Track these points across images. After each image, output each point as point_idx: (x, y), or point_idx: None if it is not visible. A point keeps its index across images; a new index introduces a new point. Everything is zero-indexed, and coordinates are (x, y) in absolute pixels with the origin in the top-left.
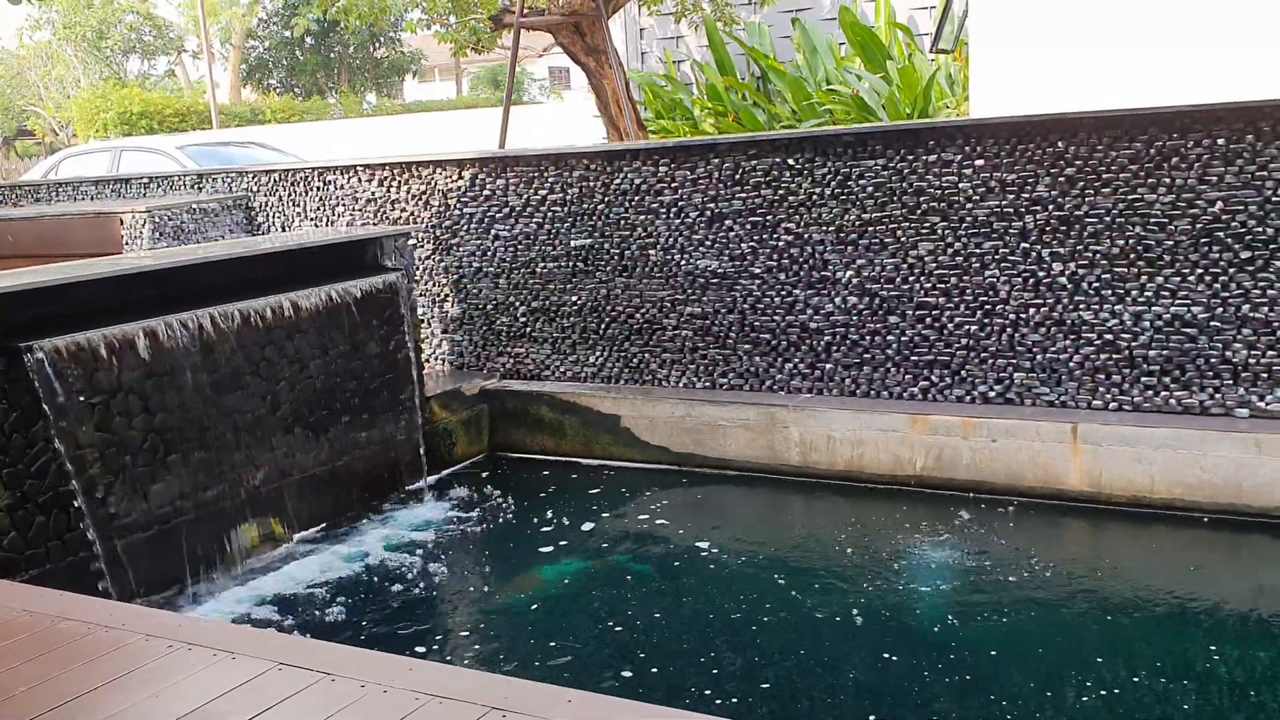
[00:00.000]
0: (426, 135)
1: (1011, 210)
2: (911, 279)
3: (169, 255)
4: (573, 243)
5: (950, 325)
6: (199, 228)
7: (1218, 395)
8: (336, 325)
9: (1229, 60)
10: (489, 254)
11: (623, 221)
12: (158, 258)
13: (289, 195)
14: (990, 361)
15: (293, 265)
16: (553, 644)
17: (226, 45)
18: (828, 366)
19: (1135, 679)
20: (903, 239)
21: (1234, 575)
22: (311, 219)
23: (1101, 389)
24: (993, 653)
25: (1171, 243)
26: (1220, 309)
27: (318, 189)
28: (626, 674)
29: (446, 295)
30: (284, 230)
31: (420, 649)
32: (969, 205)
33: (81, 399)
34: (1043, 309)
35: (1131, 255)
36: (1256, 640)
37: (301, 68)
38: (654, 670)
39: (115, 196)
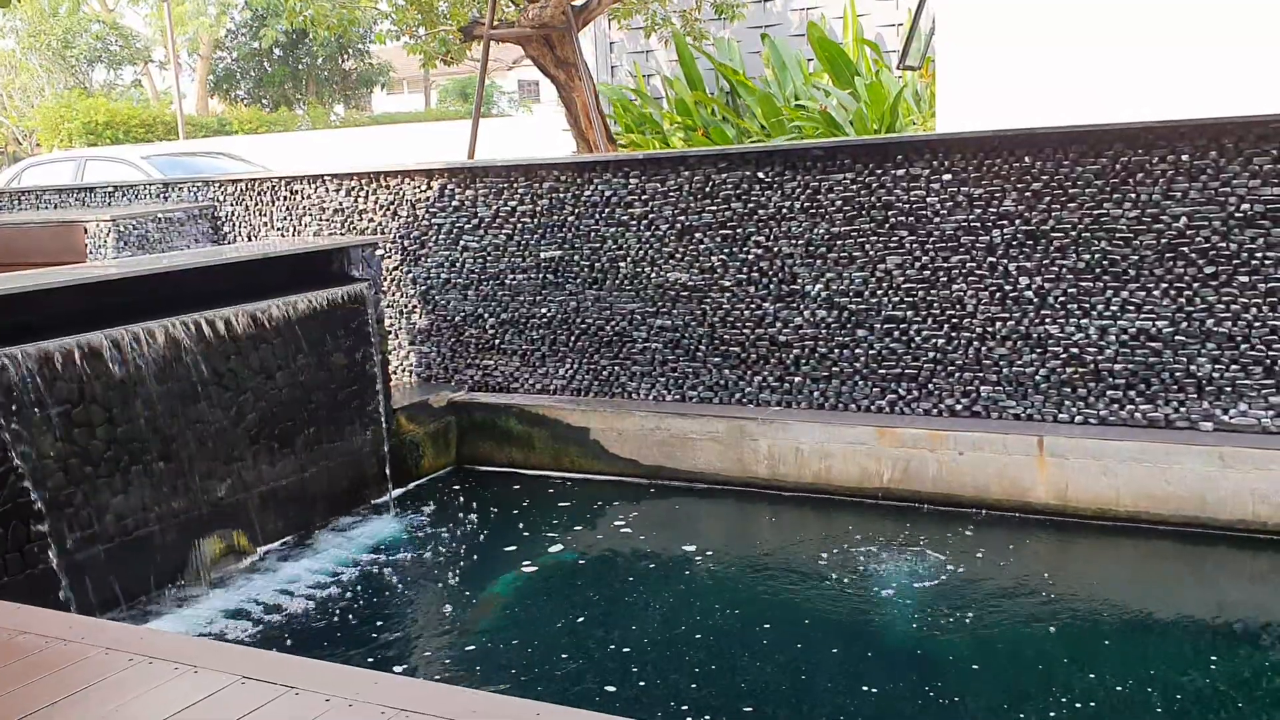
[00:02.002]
0: (395, 147)
1: (979, 224)
2: (880, 292)
3: (133, 264)
4: (542, 254)
5: (918, 339)
6: (164, 237)
7: (1182, 409)
8: (302, 336)
9: (1193, 77)
10: (458, 265)
11: (593, 233)
12: (122, 267)
13: (255, 205)
14: (957, 375)
15: (259, 275)
16: (518, 658)
17: (194, 56)
18: (796, 379)
19: (1100, 691)
20: (871, 253)
21: (1198, 587)
22: (278, 229)
23: (1067, 402)
24: (959, 665)
25: (1136, 257)
26: (1185, 323)
27: (284, 199)
28: (592, 688)
29: (414, 306)
30: (250, 240)
31: (384, 663)
32: (936, 219)
33: (42, 409)
34: (1009, 323)
35: (1097, 270)
36: (1220, 651)
37: (269, 79)
38: (621, 684)
39: (79, 205)
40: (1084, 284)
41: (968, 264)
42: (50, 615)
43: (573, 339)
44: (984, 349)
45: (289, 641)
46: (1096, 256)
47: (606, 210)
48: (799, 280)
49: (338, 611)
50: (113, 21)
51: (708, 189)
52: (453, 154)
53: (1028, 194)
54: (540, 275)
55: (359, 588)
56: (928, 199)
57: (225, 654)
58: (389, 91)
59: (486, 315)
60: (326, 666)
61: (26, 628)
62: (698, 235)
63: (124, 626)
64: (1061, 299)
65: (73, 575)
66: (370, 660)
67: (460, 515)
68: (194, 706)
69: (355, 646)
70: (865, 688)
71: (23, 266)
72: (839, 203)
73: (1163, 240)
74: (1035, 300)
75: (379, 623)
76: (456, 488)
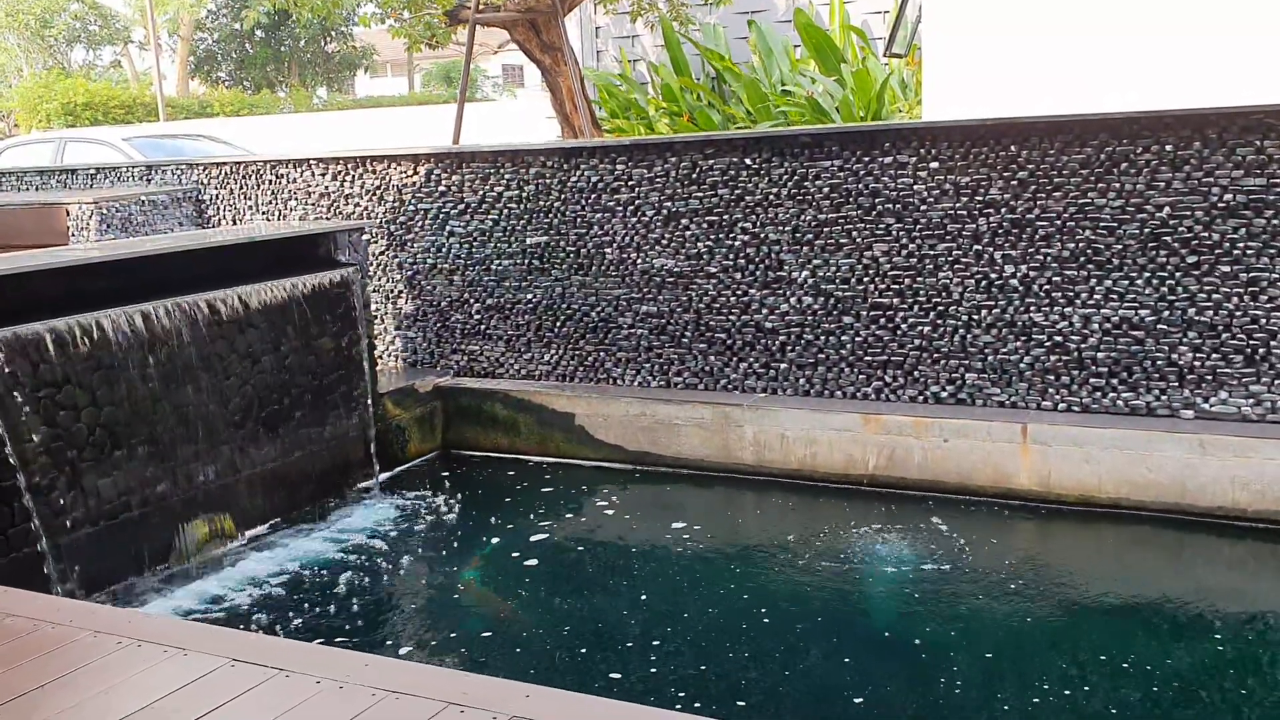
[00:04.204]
0: (378, 131)
1: (965, 213)
2: (866, 280)
3: (117, 247)
4: (528, 240)
5: (904, 326)
6: (148, 220)
7: (1164, 397)
8: (288, 320)
9: (1179, 67)
10: (444, 250)
11: (579, 219)
12: (105, 250)
13: (240, 188)
14: (942, 362)
15: (244, 259)
16: (506, 641)
17: (174, 37)
18: (782, 366)
19: (1078, 675)
20: (858, 240)
21: (1177, 574)
22: (263, 213)
23: (1051, 390)
24: (942, 648)
25: (1120, 247)
26: (1167, 312)
27: (270, 182)
28: (578, 672)
29: (400, 291)
30: (235, 224)
31: (372, 646)
32: (923, 207)
33: (26, 392)
34: (994, 310)
35: (1081, 259)
36: (1196, 636)
37: (251, 61)
38: (606, 668)
39: (61, 187)
40: (1068, 273)
41: (954, 252)
42: (38, 598)
43: (558, 325)
44: (969, 337)
45: (275, 625)
46: (1081, 245)
47: (593, 196)
48: (785, 267)
49: (324, 595)
50: (92, 1)
51: (694, 175)
52: (436, 138)
53: (1014, 183)
54: (526, 261)
55: (345, 571)
56: (914, 187)
57: (215, 637)
58: (372, 75)
59: (472, 301)
60: (317, 649)
61: (14, 611)
62: (684, 221)
63: (113, 610)
64: (1046, 287)
65: (58, 558)
66: (357, 643)
67: (446, 500)
68: (184, 689)
69: (342, 630)
70: (851, 671)
71: (3, 249)
72: (826, 190)
73: (1146, 230)
74: (1020, 288)
75: (365, 606)
76: (442, 473)
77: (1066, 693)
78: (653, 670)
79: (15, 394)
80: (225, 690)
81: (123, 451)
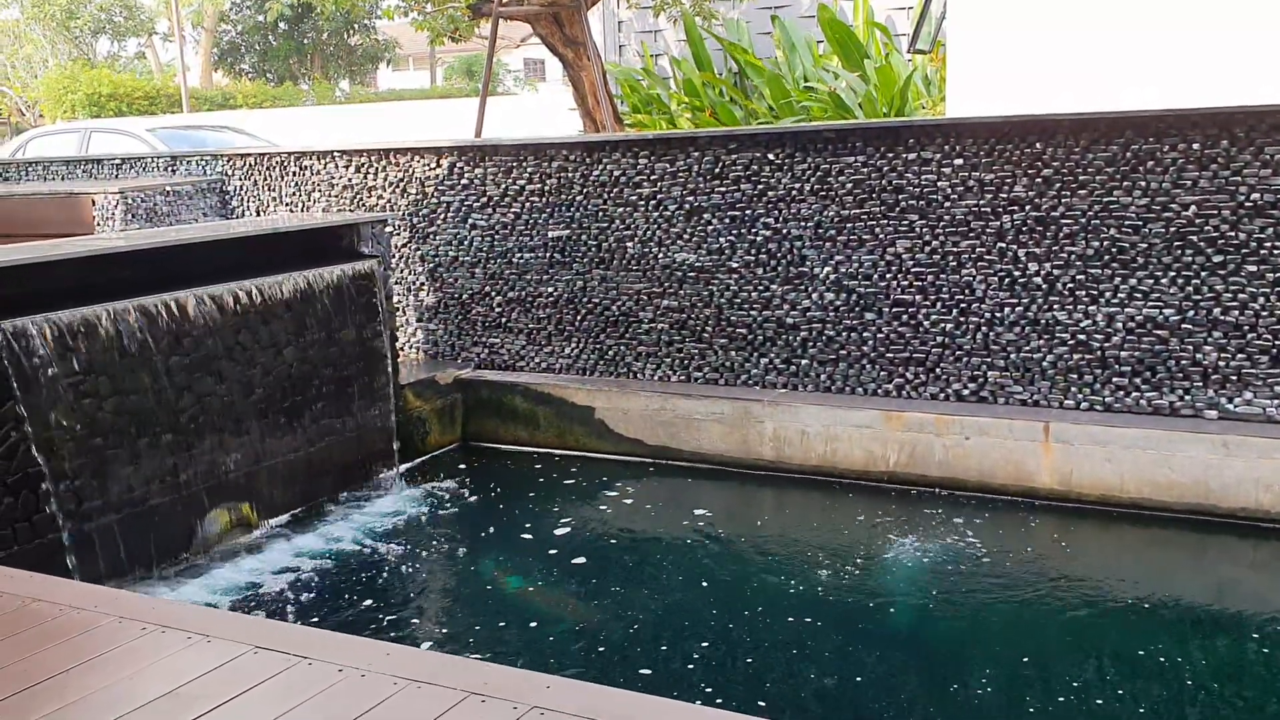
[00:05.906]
0: (400, 124)
1: (989, 210)
2: (889, 276)
3: (142, 237)
4: (550, 233)
5: (926, 323)
6: (172, 210)
7: (1187, 397)
8: (311, 311)
9: (1206, 63)
10: (466, 243)
11: (601, 213)
12: (131, 239)
13: (264, 180)
14: (965, 360)
15: (268, 250)
16: (521, 634)
17: (198, 28)
18: (803, 362)
19: (1099, 674)
20: (881, 236)
21: (1198, 574)
22: (287, 204)
23: (1074, 389)
24: (961, 647)
25: (1145, 245)
26: (1191, 312)
27: (294, 174)
28: (595, 662)
29: (422, 284)
30: (259, 215)
31: (391, 635)
32: (947, 204)
33: (52, 380)
34: (1018, 308)
35: (1106, 257)
36: (1219, 639)
37: (274, 53)
38: (623, 660)
39: (86, 177)
40: (1092, 271)
41: (977, 249)
42: (64, 584)
43: (579, 318)
44: (992, 334)
45: (295, 614)
46: (1105, 244)
47: (615, 190)
48: (807, 263)
49: (344, 584)
50: None
51: (717, 170)
52: (457, 132)
53: (1038, 180)
54: (548, 254)
55: (365, 561)
56: (938, 183)
57: (238, 624)
58: (394, 68)
59: (494, 294)
60: (339, 637)
61: (39, 596)
62: (706, 216)
63: (137, 596)
64: (1070, 285)
65: (80, 545)
66: (377, 631)
67: (465, 491)
68: (207, 676)
69: (361, 619)
70: (869, 668)
71: (30, 238)
72: (849, 185)
73: (1172, 228)
74: (1044, 286)
75: (385, 596)
76: (462, 465)
77: (1081, 692)
78: (672, 665)
79: (40, 381)
80: (248, 677)
81: (146, 440)
